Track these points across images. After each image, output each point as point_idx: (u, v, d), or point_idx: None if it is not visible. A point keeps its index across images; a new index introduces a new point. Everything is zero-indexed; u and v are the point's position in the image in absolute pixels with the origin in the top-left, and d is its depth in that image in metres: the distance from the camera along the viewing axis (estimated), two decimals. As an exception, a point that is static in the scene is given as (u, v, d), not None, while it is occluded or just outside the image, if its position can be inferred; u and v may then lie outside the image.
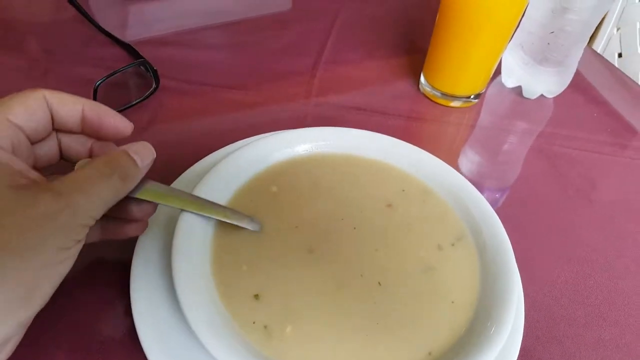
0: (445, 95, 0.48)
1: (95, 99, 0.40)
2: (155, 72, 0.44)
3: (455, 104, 0.48)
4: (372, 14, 0.62)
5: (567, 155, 0.45)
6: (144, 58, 0.46)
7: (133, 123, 0.27)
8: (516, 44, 0.49)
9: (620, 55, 0.86)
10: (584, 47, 0.48)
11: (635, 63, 0.83)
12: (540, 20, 0.46)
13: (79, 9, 0.52)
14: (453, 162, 0.42)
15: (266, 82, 0.49)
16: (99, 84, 0.39)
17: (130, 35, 0.53)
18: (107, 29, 0.53)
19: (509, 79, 0.52)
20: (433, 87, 0.48)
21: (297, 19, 0.60)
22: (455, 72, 0.46)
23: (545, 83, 0.50)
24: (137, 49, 0.49)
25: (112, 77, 0.41)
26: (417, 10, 0.64)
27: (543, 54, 0.48)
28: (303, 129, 0.36)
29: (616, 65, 0.80)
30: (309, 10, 0.62)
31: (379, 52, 0.55)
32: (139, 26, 0.56)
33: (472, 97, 0.48)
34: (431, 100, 0.49)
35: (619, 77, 0.57)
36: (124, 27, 0.55)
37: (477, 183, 0.35)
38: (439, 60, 0.47)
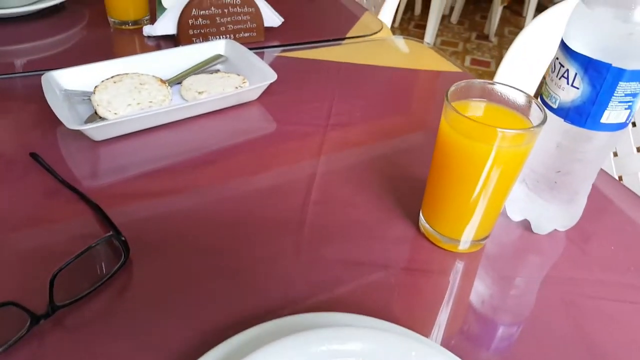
0: (447, 238, 0.43)
1: (51, 287, 0.34)
2: (124, 243, 0.39)
3: (462, 247, 0.44)
4: (357, 138, 0.59)
5: (584, 304, 0.40)
6: (113, 225, 0.41)
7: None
8: (519, 180, 0.46)
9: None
10: (593, 182, 0.45)
11: None
12: (545, 158, 0.43)
13: (41, 163, 0.48)
14: (462, 317, 0.37)
15: (251, 236, 0.44)
16: (56, 274, 0.34)
17: (100, 181, 0.49)
18: (76, 174, 0.48)
19: (514, 214, 0.47)
20: (434, 229, 0.44)
21: (280, 151, 0.56)
22: (455, 217, 0.42)
23: (554, 219, 0.46)
24: (105, 209, 0.44)
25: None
26: (411, 132, 0.61)
27: (550, 192, 0.44)
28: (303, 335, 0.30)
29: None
30: (292, 140, 0.58)
31: (369, 184, 0.51)
32: (110, 171, 0.51)
33: (477, 240, 0.44)
34: (432, 243, 0.44)
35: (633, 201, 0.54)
36: (94, 173, 0.51)
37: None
38: (437, 202, 0.43)
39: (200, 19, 0.74)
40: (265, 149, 0.56)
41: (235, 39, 0.78)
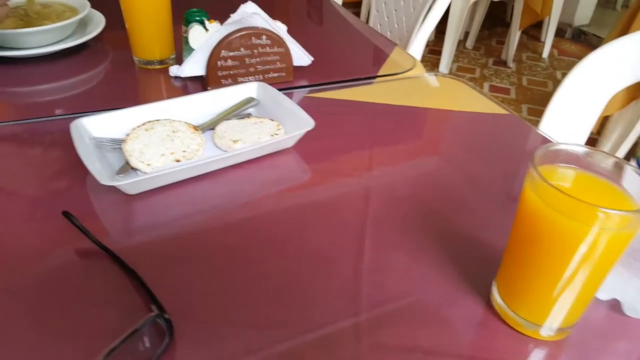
0: (528, 322, 0.39)
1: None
2: (168, 322, 0.36)
3: (545, 334, 0.39)
4: (405, 192, 0.56)
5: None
6: (154, 300, 0.38)
7: None
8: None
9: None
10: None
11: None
12: None
13: (74, 223, 0.45)
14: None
15: (301, 309, 0.41)
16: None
17: (135, 240, 0.46)
18: (110, 232, 0.46)
19: (602, 293, 0.43)
20: (512, 310, 0.39)
21: (322, 205, 0.53)
22: (541, 300, 0.37)
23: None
24: (143, 275, 0.41)
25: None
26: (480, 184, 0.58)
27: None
28: None
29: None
30: (333, 192, 0.55)
31: (428, 249, 0.47)
32: (145, 228, 0.49)
33: (564, 328, 0.39)
34: (508, 325, 0.40)
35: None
36: (129, 230, 0.48)
37: None
38: (518, 279, 0.38)
39: (229, 60, 0.72)
40: (304, 203, 0.53)
41: (264, 79, 0.76)
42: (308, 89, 0.78)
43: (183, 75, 0.74)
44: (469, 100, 0.78)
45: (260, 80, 0.75)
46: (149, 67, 0.80)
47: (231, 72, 0.73)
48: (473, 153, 0.64)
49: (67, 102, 0.71)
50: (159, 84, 0.78)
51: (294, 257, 0.45)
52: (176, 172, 0.53)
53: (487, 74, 2.67)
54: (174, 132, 0.58)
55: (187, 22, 0.74)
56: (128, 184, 0.50)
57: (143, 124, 0.58)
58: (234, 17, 0.71)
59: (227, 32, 0.70)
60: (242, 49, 0.72)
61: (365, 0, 2.55)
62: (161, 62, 0.80)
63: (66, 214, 0.45)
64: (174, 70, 0.76)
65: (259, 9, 0.72)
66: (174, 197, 0.53)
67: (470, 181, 0.58)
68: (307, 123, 0.59)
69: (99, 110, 0.64)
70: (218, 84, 0.73)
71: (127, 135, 0.57)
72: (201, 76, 0.75)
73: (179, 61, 0.79)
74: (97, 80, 0.78)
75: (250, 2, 0.71)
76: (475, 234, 0.49)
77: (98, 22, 0.88)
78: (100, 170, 0.49)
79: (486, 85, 2.55)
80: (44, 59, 0.80)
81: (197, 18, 0.73)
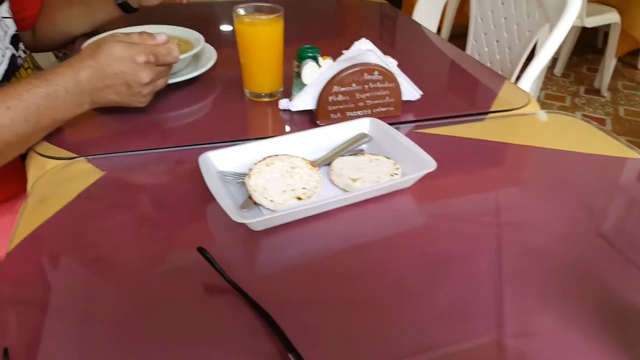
0: None
1: None
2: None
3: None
4: (544, 246, 0.52)
5: None
6: (295, 352, 0.38)
7: None
8: None
9: None
10: None
11: None
12: None
13: (209, 259, 0.46)
14: None
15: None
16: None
17: (263, 278, 0.47)
18: (238, 269, 0.46)
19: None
20: None
21: (452, 255, 0.51)
22: None
23: None
24: (276, 317, 0.41)
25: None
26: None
27: None
28: None
29: None
30: (460, 240, 0.53)
31: (579, 315, 0.43)
32: (271, 266, 0.49)
33: None
34: None
35: None
36: (256, 268, 0.49)
37: None
38: None
39: (340, 95, 0.73)
40: (430, 252, 0.51)
41: (372, 113, 0.76)
42: (415, 123, 0.76)
43: (293, 109, 0.75)
44: (594, 141, 0.72)
45: (368, 115, 0.75)
46: (259, 99, 0.82)
47: (341, 107, 0.74)
48: (619, 200, 0.58)
49: (190, 133, 0.74)
50: (268, 116, 0.80)
51: (427, 312, 0.44)
52: (302, 211, 0.53)
53: (579, 102, 2.53)
54: (292, 167, 0.59)
55: (300, 58, 0.75)
56: (258, 222, 0.50)
57: (264, 159, 0.60)
58: (347, 54, 0.71)
59: (340, 69, 0.71)
60: (353, 85, 0.72)
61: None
62: (270, 95, 0.82)
63: (201, 250, 0.46)
64: (284, 104, 0.78)
65: (373, 45, 0.72)
66: (295, 235, 0.53)
67: (622, 236, 0.52)
68: (428, 164, 0.57)
69: (216, 143, 0.66)
70: (327, 118, 0.74)
71: (250, 170, 0.58)
72: (309, 110, 0.76)
73: (287, 94, 0.81)
74: (207, 111, 0.82)
75: (364, 39, 0.72)
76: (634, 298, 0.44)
77: (210, 55, 0.92)
78: (231, 206, 0.50)
79: (578, 114, 2.42)
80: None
81: (310, 54, 0.75)
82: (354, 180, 0.57)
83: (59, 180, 0.61)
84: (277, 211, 0.52)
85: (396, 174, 0.58)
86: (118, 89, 0.67)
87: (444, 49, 1.07)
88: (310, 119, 0.76)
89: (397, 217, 0.56)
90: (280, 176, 0.57)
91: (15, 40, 0.83)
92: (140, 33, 0.69)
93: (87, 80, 0.63)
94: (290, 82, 0.80)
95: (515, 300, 0.44)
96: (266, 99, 0.82)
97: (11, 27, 0.82)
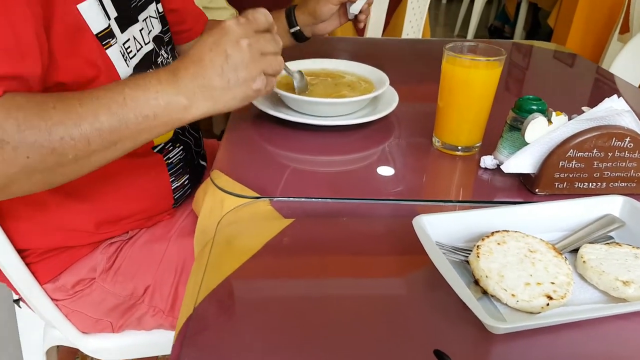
0: None
1: None
2: None
3: None
4: None
5: None
6: None
7: None
8: None
9: None
10: None
11: None
12: None
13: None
14: None
15: None
16: None
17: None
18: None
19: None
20: None
21: None
22: None
23: None
24: None
25: None
26: None
27: None
28: None
29: None
30: None
31: None
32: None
33: None
34: None
35: None
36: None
37: None
38: None
39: (573, 162, 0.58)
40: None
41: (606, 188, 0.60)
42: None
43: (506, 170, 0.62)
44: None
45: (601, 189, 0.60)
46: (451, 152, 0.70)
47: (570, 175, 0.59)
48: None
49: (365, 181, 0.64)
50: (465, 174, 0.67)
51: None
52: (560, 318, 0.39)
53: None
54: (530, 251, 0.45)
55: (522, 110, 0.62)
56: (514, 327, 0.37)
57: (492, 235, 0.47)
58: (593, 112, 0.57)
59: (579, 129, 0.57)
60: (595, 151, 0.57)
61: None
62: (466, 148, 0.69)
63: (438, 354, 0.34)
64: (488, 162, 0.65)
65: (628, 106, 0.56)
66: (541, 345, 0.38)
67: None
68: None
69: (410, 201, 0.55)
70: (550, 188, 0.59)
71: (476, 247, 0.45)
72: (520, 173, 0.62)
73: (487, 150, 0.68)
74: (387, 158, 0.71)
75: (615, 97, 0.57)
76: None
77: (391, 98, 0.82)
78: (475, 302, 0.38)
79: None
80: (327, 129, 0.75)
81: (535, 107, 0.61)
82: (625, 283, 0.42)
83: (241, 221, 0.53)
84: (537, 316, 0.38)
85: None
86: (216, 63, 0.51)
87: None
88: (520, 185, 0.62)
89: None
90: (518, 262, 0.44)
91: (159, 41, 0.78)
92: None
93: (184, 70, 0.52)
94: (494, 137, 0.67)
95: None
96: (459, 153, 0.70)
97: (156, 27, 0.77)
